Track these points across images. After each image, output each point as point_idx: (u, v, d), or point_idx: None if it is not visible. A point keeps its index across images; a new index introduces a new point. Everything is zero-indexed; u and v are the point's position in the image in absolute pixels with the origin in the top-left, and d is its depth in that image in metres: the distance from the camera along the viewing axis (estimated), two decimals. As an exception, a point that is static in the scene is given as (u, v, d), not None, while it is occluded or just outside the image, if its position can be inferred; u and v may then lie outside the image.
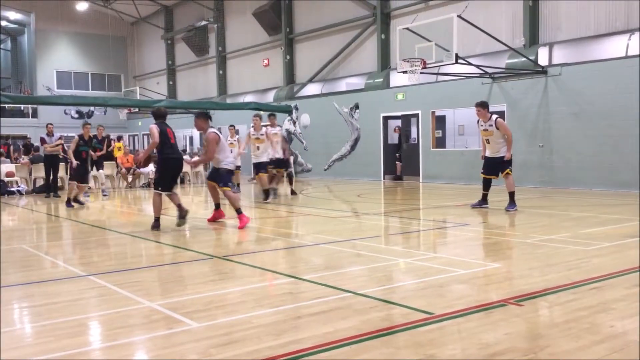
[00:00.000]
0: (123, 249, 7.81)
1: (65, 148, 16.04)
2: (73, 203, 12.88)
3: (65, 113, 33.01)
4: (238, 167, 14.78)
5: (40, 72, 35.56)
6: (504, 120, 12.15)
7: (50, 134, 16.19)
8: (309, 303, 4.63)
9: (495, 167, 10.67)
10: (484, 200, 10.92)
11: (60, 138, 16.52)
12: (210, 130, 9.22)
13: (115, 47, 37.39)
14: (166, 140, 8.88)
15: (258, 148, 13.50)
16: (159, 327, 4.10)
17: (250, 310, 4.47)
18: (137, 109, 28.84)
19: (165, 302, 4.73)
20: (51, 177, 16.14)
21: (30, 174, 17.91)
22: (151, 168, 19.57)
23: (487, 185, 10.87)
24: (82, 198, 13.62)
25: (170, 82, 34.44)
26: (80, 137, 13.82)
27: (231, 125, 16.64)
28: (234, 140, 15.93)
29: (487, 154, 10.74)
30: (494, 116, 10.57)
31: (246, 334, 3.89)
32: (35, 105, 32.65)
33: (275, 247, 7.65)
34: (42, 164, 16.42)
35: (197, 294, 4.95)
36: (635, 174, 13.70)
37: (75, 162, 13.21)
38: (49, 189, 16.04)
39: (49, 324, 4.23)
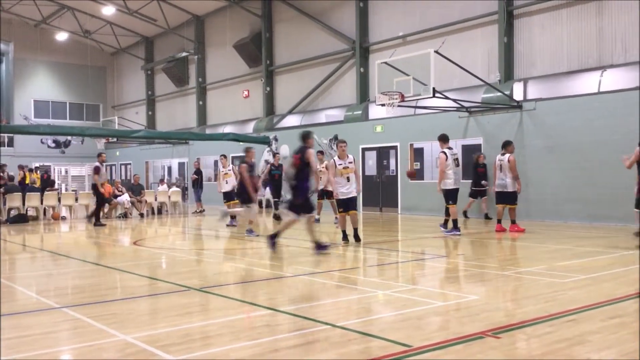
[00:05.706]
0: (98, 281, 7.67)
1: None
2: None
3: (42, 142, 32.69)
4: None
5: (18, 101, 35.19)
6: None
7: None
8: (287, 336, 4.59)
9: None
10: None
11: None
12: None
13: (95, 77, 37.25)
14: None
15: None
16: (133, 361, 4.02)
17: (228, 343, 4.41)
18: (115, 139, 28.65)
19: (141, 335, 4.65)
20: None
21: (4, 204, 17.61)
22: (126, 198, 19.38)
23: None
24: None
25: (150, 112, 34.36)
26: None
27: (222, 155, 16.56)
28: (228, 170, 15.71)
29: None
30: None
31: (223, 367, 3.84)
32: (11, 134, 32.29)
33: (253, 278, 7.59)
34: (16, 193, 16.16)
35: (173, 327, 4.88)
36: (608, 208, 13.93)
37: None
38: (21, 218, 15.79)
39: (20, 358, 4.13)
